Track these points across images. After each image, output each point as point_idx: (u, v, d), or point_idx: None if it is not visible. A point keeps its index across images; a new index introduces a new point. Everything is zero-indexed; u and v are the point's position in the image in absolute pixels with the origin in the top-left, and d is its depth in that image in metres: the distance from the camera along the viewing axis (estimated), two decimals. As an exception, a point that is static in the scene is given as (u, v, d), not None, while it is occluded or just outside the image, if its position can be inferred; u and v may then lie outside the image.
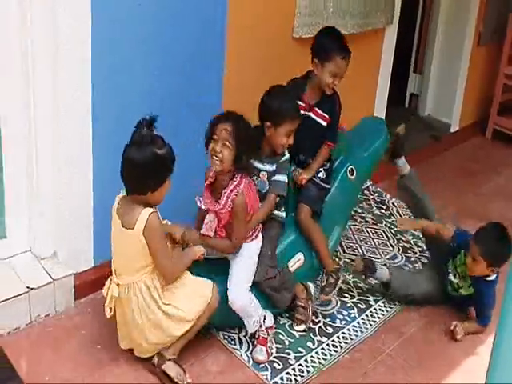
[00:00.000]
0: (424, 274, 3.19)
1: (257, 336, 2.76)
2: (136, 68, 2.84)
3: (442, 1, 4.90)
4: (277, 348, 2.82)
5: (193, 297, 2.58)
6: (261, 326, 2.74)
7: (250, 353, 2.76)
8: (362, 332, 2.98)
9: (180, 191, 2.66)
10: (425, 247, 3.53)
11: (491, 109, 5.17)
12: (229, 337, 2.84)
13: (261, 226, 2.81)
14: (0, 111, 2.70)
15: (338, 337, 2.93)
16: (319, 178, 3.11)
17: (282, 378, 2.67)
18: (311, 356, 2.80)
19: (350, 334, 2.96)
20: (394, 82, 4.51)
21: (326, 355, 2.82)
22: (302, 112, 3.00)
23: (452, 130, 5.16)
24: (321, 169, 3.12)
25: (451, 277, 3.08)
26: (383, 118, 4.19)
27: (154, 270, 2.49)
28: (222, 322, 2.79)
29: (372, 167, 3.55)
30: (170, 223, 2.68)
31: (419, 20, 5.24)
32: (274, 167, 2.83)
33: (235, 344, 2.81)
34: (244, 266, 2.71)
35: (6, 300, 2.69)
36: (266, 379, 2.65)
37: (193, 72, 3.04)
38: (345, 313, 3.08)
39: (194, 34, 2.98)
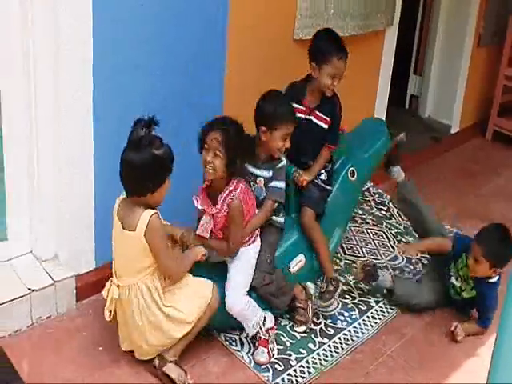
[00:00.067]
0: (427, 285, 3.16)
1: (258, 337, 2.76)
2: (137, 68, 2.84)
3: (442, 1, 4.91)
4: (278, 349, 2.81)
5: (193, 298, 2.57)
6: (261, 328, 2.73)
7: (252, 354, 2.75)
8: (363, 333, 2.97)
9: (181, 191, 2.65)
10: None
11: (491, 110, 5.17)
12: (230, 338, 2.83)
13: (258, 229, 2.81)
14: (1, 111, 2.70)
15: (339, 338, 2.93)
16: (321, 179, 3.11)
17: (283, 380, 2.66)
18: (312, 357, 2.80)
19: (351, 335, 2.95)
20: (394, 84, 4.51)
21: (327, 356, 2.81)
22: (302, 116, 3.03)
23: (452, 132, 5.17)
24: (322, 171, 3.12)
25: (453, 280, 3.07)
26: (384, 119, 4.20)
27: (155, 271, 2.48)
28: (222, 323, 2.78)
29: (373, 168, 3.55)
30: (168, 224, 2.67)
31: (419, 21, 5.24)
32: (271, 173, 2.82)
33: (236, 345, 2.80)
34: (241, 270, 2.71)
35: (8, 302, 2.68)
36: (268, 380, 2.65)
37: (194, 72, 3.04)
38: (346, 314, 3.08)
39: (196, 34, 2.98)
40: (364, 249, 3.61)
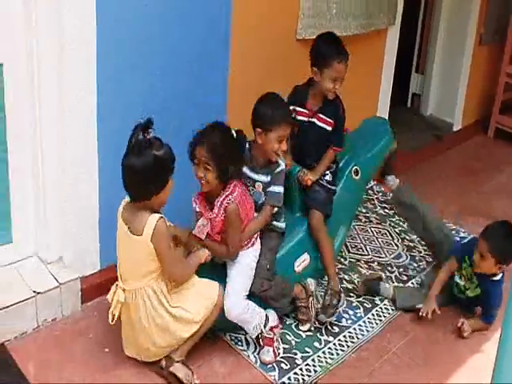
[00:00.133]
0: (429, 287, 3.15)
1: (262, 337, 2.75)
2: (140, 68, 2.83)
3: (444, 0, 4.90)
4: (284, 348, 2.81)
5: (200, 298, 2.58)
6: (262, 330, 2.72)
7: (258, 354, 2.76)
8: (368, 331, 2.98)
9: (183, 191, 2.64)
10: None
11: (493, 108, 5.17)
12: (236, 338, 2.83)
13: (258, 233, 2.80)
14: (5, 112, 2.70)
15: (345, 336, 2.93)
16: (326, 180, 3.12)
17: (289, 378, 2.67)
18: (318, 356, 2.80)
19: (356, 334, 2.96)
20: (396, 82, 4.51)
21: (332, 355, 2.82)
22: (305, 119, 3.03)
23: (454, 129, 5.17)
24: (327, 171, 3.13)
25: (457, 279, 3.08)
26: (386, 118, 4.20)
27: (160, 275, 2.48)
28: (227, 323, 2.76)
29: (376, 167, 3.56)
30: (172, 225, 2.66)
31: (421, 20, 5.24)
32: (269, 178, 2.80)
33: (242, 345, 2.81)
34: (241, 273, 2.71)
35: (13, 305, 2.68)
36: (274, 380, 2.65)
37: (198, 72, 3.04)
38: (351, 312, 3.08)
39: (199, 34, 2.98)
40: (368, 247, 3.61)
